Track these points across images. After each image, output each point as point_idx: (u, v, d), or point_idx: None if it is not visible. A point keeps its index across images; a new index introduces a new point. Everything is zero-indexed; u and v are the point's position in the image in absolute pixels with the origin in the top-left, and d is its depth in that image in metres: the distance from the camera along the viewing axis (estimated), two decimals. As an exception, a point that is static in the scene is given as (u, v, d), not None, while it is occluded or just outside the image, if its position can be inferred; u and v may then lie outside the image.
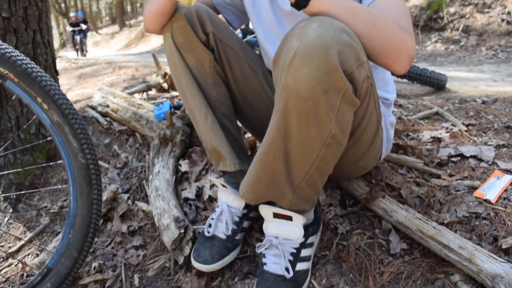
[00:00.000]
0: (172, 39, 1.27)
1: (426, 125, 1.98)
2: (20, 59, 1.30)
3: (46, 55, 2.23)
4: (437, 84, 2.68)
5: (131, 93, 2.95)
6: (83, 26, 16.21)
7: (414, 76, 2.52)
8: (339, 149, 1.04)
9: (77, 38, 16.09)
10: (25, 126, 2.11)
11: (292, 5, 0.98)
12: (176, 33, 1.26)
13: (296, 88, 0.89)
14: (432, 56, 6.40)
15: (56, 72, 2.35)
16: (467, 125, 1.94)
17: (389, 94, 1.43)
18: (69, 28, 16.58)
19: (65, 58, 9.42)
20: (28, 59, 1.34)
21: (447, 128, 1.91)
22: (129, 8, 36.14)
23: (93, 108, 2.49)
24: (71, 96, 4.06)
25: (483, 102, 2.28)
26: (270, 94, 1.46)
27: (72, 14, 17.06)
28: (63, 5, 35.99)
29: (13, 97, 2.05)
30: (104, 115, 2.40)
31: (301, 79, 0.88)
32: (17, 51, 1.32)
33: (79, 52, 16.10)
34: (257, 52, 2.61)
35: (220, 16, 1.50)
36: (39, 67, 1.35)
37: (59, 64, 7.47)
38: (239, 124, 1.61)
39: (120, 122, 2.27)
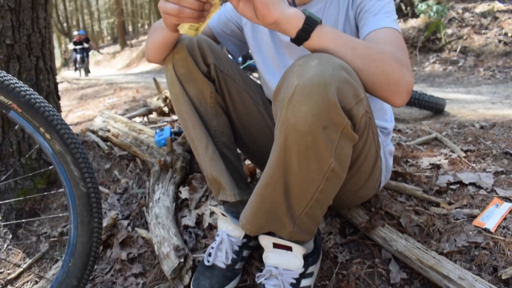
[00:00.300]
0: (173, 70, 1.29)
1: (425, 151, 2.00)
2: (23, 90, 1.32)
3: (49, 81, 2.26)
4: (435, 108, 2.70)
5: (132, 117, 2.97)
6: (86, 45, 16.07)
7: (412, 101, 2.55)
8: (338, 182, 1.05)
9: (78, 56, 15.95)
10: (27, 155, 2.12)
11: (292, 40, 1.00)
12: (177, 64, 1.28)
13: (295, 123, 0.90)
14: (430, 76, 6.46)
15: (58, 97, 2.37)
16: (465, 151, 1.95)
17: (387, 123, 1.45)
18: (71, 46, 16.46)
19: (66, 78, 9.50)
20: (31, 89, 1.36)
21: (446, 154, 1.92)
22: (130, 28, 36.52)
23: (94, 132, 2.50)
24: (72, 117, 4.09)
25: (482, 127, 2.30)
26: (270, 123, 1.47)
27: (75, 33, 16.96)
28: (65, 24, 36.40)
29: (16, 127, 2.07)
30: (105, 139, 2.42)
31: (300, 115, 0.89)
32: (21, 82, 1.34)
33: (81, 71, 15.91)
34: (257, 75, 2.64)
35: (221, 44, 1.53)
36: (41, 97, 1.37)
37: (60, 85, 7.53)
38: (239, 152, 1.61)
39: (121, 147, 2.29)
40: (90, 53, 17.27)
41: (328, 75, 0.88)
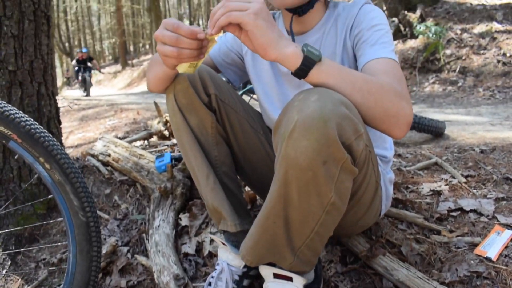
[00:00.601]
0: (175, 100, 1.30)
1: (426, 176, 2.00)
2: (24, 120, 1.33)
3: (50, 106, 2.27)
4: (435, 132, 2.71)
5: (133, 141, 2.98)
6: (90, 64, 15.75)
7: (412, 125, 2.55)
8: (338, 215, 1.05)
9: (84, 76, 15.43)
10: (27, 185, 2.12)
11: (293, 74, 1.01)
12: (179, 95, 1.29)
13: (296, 158, 0.91)
14: (430, 97, 6.48)
15: (59, 122, 2.38)
16: (466, 177, 1.95)
17: (387, 152, 1.45)
18: (74, 63, 16.05)
19: (67, 99, 9.55)
20: (32, 119, 1.37)
21: (446, 180, 1.92)
22: (131, 48, 36.86)
23: (94, 156, 2.51)
24: (73, 139, 4.10)
25: (482, 151, 2.30)
26: (270, 151, 1.48)
27: (78, 50, 16.69)
28: (67, 44, 36.77)
29: (15, 156, 2.07)
30: (106, 164, 2.42)
31: (301, 151, 0.90)
32: (21, 112, 1.35)
33: (84, 91, 15.54)
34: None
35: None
36: (41, 127, 1.38)
37: (62, 105, 7.57)
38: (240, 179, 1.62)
39: (121, 172, 2.29)
40: (92, 73, 17.34)
41: (327, 111, 0.89)
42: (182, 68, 1.08)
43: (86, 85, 15.18)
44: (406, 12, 7.94)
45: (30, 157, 1.35)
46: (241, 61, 1.53)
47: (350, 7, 1.30)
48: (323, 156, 0.90)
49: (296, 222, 1.02)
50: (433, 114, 4.51)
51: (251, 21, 0.92)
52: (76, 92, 19.17)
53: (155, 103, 3.18)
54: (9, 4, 2.05)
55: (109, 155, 2.40)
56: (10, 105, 1.32)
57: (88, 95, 14.94)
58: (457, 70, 6.82)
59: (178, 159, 2.08)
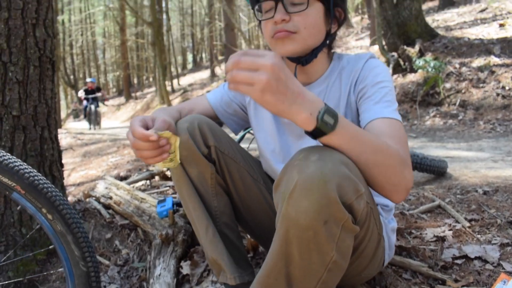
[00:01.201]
0: None
1: (429, 220, 1.98)
2: (27, 172, 1.34)
3: (53, 150, 2.28)
4: (437, 172, 2.70)
5: (134, 182, 2.98)
6: (98, 94, 15.00)
7: (414, 165, 2.55)
8: (340, 272, 1.04)
9: (92, 107, 14.55)
10: (29, 235, 2.11)
11: (306, 133, 0.96)
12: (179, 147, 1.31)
13: (296, 218, 0.91)
14: (431, 130, 6.50)
15: (61, 165, 2.38)
16: (470, 220, 1.94)
17: (389, 200, 1.45)
18: (82, 94, 15.12)
19: (71, 132, 9.59)
20: (35, 170, 1.38)
21: (450, 224, 1.90)
22: (135, 80, 37.33)
23: (96, 199, 2.50)
24: (75, 177, 4.10)
25: (485, 193, 2.29)
26: (270, 200, 1.48)
27: (88, 80, 15.90)
28: (72, 76, 37.26)
29: (18, 207, 2.07)
30: (107, 207, 2.41)
31: (301, 211, 0.90)
32: (25, 164, 1.36)
33: (92, 124, 14.62)
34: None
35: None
36: (44, 178, 1.39)
37: (64, 140, 7.60)
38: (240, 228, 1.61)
39: (123, 215, 2.28)
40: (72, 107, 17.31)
41: (328, 171, 0.89)
42: (159, 165, 1.12)
43: (96, 117, 14.55)
44: (405, 46, 8.04)
45: (32, 208, 1.37)
46: (243, 111, 1.54)
47: (355, 61, 1.32)
48: (323, 216, 0.90)
49: (297, 280, 1.01)
50: (435, 150, 4.51)
51: (258, 99, 0.87)
52: (81, 124, 19.13)
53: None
54: (15, 50, 2.08)
55: (110, 198, 2.40)
56: (14, 157, 1.34)
57: (99, 127, 14.54)
58: (457, 103, 6.87)
59: (179, 204, 2.07)
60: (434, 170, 2.66)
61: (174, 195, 2.52)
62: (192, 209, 1.35)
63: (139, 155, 1.08)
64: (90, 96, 14.86)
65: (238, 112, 1.54)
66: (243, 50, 1.49)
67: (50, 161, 2.26)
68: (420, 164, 2.57)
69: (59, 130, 12.09)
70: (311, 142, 1.32)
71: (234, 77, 0.86)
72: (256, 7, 1.28)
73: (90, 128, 14.61)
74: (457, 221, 1.94)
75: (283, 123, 1.43)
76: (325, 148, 0.96)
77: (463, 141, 5.51)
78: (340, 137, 0.95)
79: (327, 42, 1.28)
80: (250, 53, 0.86)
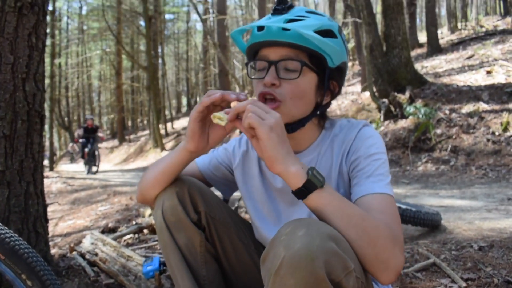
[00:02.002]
0: (163, 217, 1.27)
1: (424, 280, 1.92)
2: (8, 237, 1.30)
3: (38, 205, 2.22)
4: (431, 225, 2.66)
5: (122, 235, 2.90)
6: (100, 134, 13.71)
7: (408, 219, 2.51)
8: None
9: (93, 148, 12.97)
10: None
11: (293, 192, 1.02)
12: (167, 212, 1.27)
13: None
14: (423, 176, 6.50)
15: (46, 220, 2.32)
16: (466, 280, 1.88)
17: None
18: (81, 132, 13.43)
19: (62, 176, 9.48)
20: (16, 235, 1.33)
21: (446, 285, 1.85)
22: (129, 123, 37.46)
23: (81, 254, 2.42)
24: (62, 227, 4.01)
25: (480, 249, 2.24)
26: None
27: (88, 117, 14.31)
28: (66, 118, 37.34)
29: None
30: (92, 264, 2.33)
31: None
32: (6, 228, 1.31)
33: (89, 167, 13.02)
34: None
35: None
36: (25, 243, 1.34)
37: (55, 185, 7.50)
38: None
39: (108, 274, 2.20)
40: (68, 149, 16.64)
41: (315, 247, 0.85)
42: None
43: (95, 160, 12.99)
44: (395, 93, 8.17)
45: (11, 274, 1.31)
46: (232, 175, 1.50)
47: (348, 129, 1.27)
48: None
49: None
50: (428, 199, 4.48)
51: (265, 132, 0.96)
52: (75, 167, 18.75)
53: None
54: (3, 105, 2.06)
55: (96, 254, 2.33)
56: (-7, 223, 1.29)
57: (97, 171, 13.02)
58: (449, 149, 6.91)
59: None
60: (428, 224, 2.62)
61: (161, 253, 2.45)
62: (180, 279, 1.29)
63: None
64: (91, 135, 13.22)
65: (226, 175, 1.50)
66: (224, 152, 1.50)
67: (35, 217, 2.20)
68: (414, 218, 2.53)
69: (50, 174, 11.82)
70: (303, 209, 1.28)
71: (251, 107, 0.99)
72: (251, 63, 1.26)
73: (88, 172, 13.03)
74: (453, 281, 1.88)
75: (273, 190, 1.39)
76: (313, 222, 0.93)
77: (455, 187, 5.50)
78: (330, 195, 1.00)
79: (317, 113, 1.23)
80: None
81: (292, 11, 1.17)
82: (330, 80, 1.22)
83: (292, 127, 1.22)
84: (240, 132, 1.52)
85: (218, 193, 1.49)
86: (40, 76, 2.18)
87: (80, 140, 13.44)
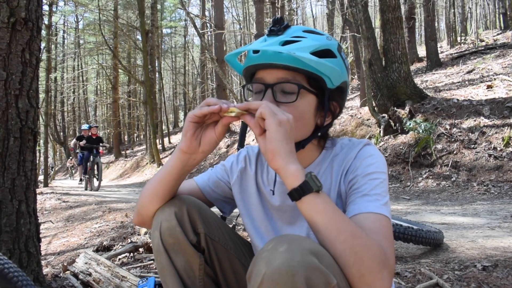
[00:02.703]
0: (160, 239, 1.22)
1: (428, 303, 1.86)
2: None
3: (30, 224, 2.16)
4: (433, 243, 2.60)
5: (117, 255, 2.83)
6: (106, 145, 12.39)
7: (409, 237, 2.45)
8: None
9: (94, 160, 11.23)
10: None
11: (288, 193, 1.00)
12: (165, 233, 1.21)
13: None
14: (424, 192, 6.43)
15: (39, 240, 2.25)
16: (471, 302, 1.82)
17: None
18: (81, 142, 11.77)
19: (56, 192, 9.38)
20: (6, 258, 1.29)
21: (450, 308, 1.78)
22: (126, 138, 37.39)
23: (74, 275, 2.35)
24: (55, 245, 3.93)
25: (484, 269, 2.18)
26: None
27: (92, 125, 12.73)
28: (61, 133, 37.30)
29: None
30: (86, 284, 2.26)
31: None
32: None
33: (92, 182, 11.42)
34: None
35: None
36: (15, 266, 1.29)
37: (49, 202, 7.42)
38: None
39: (101, 295, 2.13)
40: (67, 165, 15.36)
41: (295, 263, 0.83)
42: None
43: (99, 174, 11.14)
44: (395, 108, 8.15)
45: (-2, 299, 1.26)
46: (231, 191, 1.45)
47: (348, 148, 1.23)
48: None
49: None
50: (429, 216, 4.42)
51: (274, 124, 0.97)
52: (72, 183, 18.44)
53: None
54: (-5, 122, 2.02)
55: (90, 275, 2.26)
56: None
57: (99, 186, 11.25)
58: (450, 164, 6.85)
59: (162, 286, 1.94)
60: (430, 242, 2.55)
61: (157, 274, 2.38)
62: None
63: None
64: (94, 146, 11.44)
65: (226, 192, 1.45)
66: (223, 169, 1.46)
67: (26, 237, 2.14)
68: (415, 236, 2.47)
69: (45, 189, 11.67)
70: (301, 228, 1.25)
71: (265, 105, 0.99)
72: (248, 86, 1.22)
73: (87, 188, 11.63)
74: (458, 304, 1.82)
75: (271, 208, 1.34)
76: (296, 238, 0.90)
77: (457, 204, 5.43)
78: (324, 202, 0.98)
79: (318, 134, 1.20)
80: None
81: (288, 32, 1.13)
82: (330, 101, 1.19)
83: None
84: (238, 149, 1.48)
85: (215, 209, 1.44)
86: (33, 92, 2.14)
87: (79, 152, 12.20)
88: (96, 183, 11.25)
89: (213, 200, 1.46)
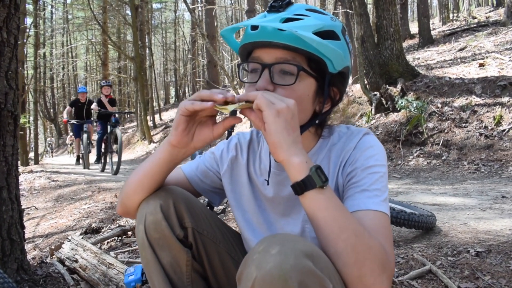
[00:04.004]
0: (145, 233, 1.16)
1: (420, 290, 1.83)
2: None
3: (12, 211, 2.09)
4: (426, 228, 2.57)
5: (105, 239, 2.78)
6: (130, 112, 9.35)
7: (402, 221, 2.42)
8: None
9: (112, 131, 8.40)
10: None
11: (291, 185, 0.95)
12: (150, 227, 1.15)
13: None
14: (415, 171, 6.43)
15: (22, 227, 2.19)
16: (464, 290, 1.80)
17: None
18: (94, 106, 9.26)
19: (46, 171, 9.27)
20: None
21: (444, 296, 1.76)
22: (117, 115, 37.04)
23: (61, 261, 2.30)
24: (44, 227, 3.87)
25: (477, 254, 2.15)
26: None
27: (103, 83, 10.11)
28: (52, 110, 36.87)
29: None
30: (72, 271, 2.21)
31: None
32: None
33: (110, 162, 8.56)
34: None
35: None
36: (2, 272, 1.23)
37: (38, 181, 7.33)
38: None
39: (88, 282, 2.08)
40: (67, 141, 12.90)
41: (288, 267, 0.78)
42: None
43: (120, 149, 8.04)
44: (387, 86, 8.08)
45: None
46: (220, 181, 1.39)
47: (347, 137, 1.17)
48: None
49: None
50: (421, 196, 4.41)
51: (271, 115, 0.91)
52: (68, 159, 17.81)
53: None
54: (-28, 105, 1.93)
55: (76, 261, 2.21)
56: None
57: (118, 169, 8.11)
58: (441, 143, 6.84)
59: (149, 274, 1.88)
60: (423, 226, 2.53)
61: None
62: None
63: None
64: (106, 112, 8.84)
65: (215, 182, 1.39)
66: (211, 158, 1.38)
67: (9, 224, 2.07)
68: (408, 220, 2.43)
69: (34, 167, 11.52)
70: (296, 221, 1.20)
71: (261, 93, 0.94)
72: (244, 65, 1.15)
73: (104, 169, 9.14)
74: (451, 291, 1.79)
75: (264, 199, 1.28)
76: (288, 238, 0.85)
77: (448, 183, 5.43)
78: (328, 198, 0.93)
79: (316, 121, 1.13)
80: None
81: (290, 9, 1.05)
82: (331, 86, 1.11)
83: None
84: (227, 137, 1.41)
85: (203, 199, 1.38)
86: (12, 73, 2.04)
87: (75, 122, 9.69)
88: (114, 163, 8.29)
89: (201, 190, 1.39)
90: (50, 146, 30.56)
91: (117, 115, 8.96)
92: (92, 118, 10.83)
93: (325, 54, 1.03)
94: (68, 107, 10.90)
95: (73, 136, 12.43)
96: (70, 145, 27.41)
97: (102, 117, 9.43)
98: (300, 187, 0.92)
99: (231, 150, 1.37)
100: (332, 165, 1.16)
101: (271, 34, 1.03)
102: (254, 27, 1.05)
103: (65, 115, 10.78)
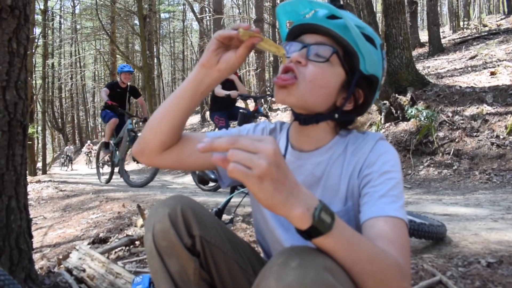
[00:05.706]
0: (153, 241, 1.17)
1: (431, 302, 1.80)
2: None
3: (21, 220, 2.09)
4: (436, 238, 2.53)
5: (112, 249, 2.78)
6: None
7: (412, 232, 2.39)
8: None
9: (128, 128, 7.10)
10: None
11: (299, 232, 0.88)
12: (158, 236, 1.16)
13: None
14: (426, 181, 6.38)
15: (30, 236, 2.19)
16: (476, 302, 1.76)
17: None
18: (103, 94, 7.66)
19: (54, 181, 9.33)
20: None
21: (455, 308, 1.72)
22: (125, 124, 37.26)
23: (68, 270, 2.30)
24: (51, 237, 3.89)
25: (488, 265, 2.12)
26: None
27: (126, 68, 8.01)
28: (60, 120, 37.19)
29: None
30: (80, 280, 2.21)
31: None
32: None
33: (122, 168, 7.38)
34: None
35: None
36: (7, 274, 1.24)
37: (45, 191, 7.37)
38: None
39: (95, 292, 2.08)
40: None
41: (309, 281, 0.78)
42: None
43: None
44: (396, 95, 8.04)
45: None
46: None
47: (363, 139, 1.20)
48: None
49: None
50: (431, 206, 4.36)
51: (255, 185, 0.76)
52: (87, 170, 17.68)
53: (138, 207, 3.01)
54: (-18, 115, 1.94)
55: (84, 271, 2.21)
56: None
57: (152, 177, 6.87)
58: (451, 152, 6.78)
59: (156, 284, 1.87)
60: (433, 237, 2.49)
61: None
62: None
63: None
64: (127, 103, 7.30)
65: None
66: (237, 134, 1.35)
67: (17, 233, 2.07)
68: (418, 230, 2.40)
69: (42, 177, 11.61)
70: None
71: (231, 155, 0.75)
72: (288, 44, 1.21)
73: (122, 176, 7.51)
74: (462, 304, 1.76)
75: None
76: (308, 251, 0.85)
77: (459, 193, 5.37)
78: (336, 240, 0.86)
79: (336, 116, 1.18)
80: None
81: (342, 11, 1.13)
82: (357, 87, 1.17)
83: (305, 118, 1.19)
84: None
85: (209, 199, 1.37)
86: (22, 83, 2.06)
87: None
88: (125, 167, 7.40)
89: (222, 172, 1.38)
90: (68, 156, 26.70)
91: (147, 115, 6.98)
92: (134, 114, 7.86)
93: (361, 50, 1.11)
94: (105, 88, 7.93)
95: (91, 145, 9.56)
96: (87, 154, 26.22)
97: (224, 106, 6.48)
98: (307, 234, 0.87)
99: (258, 132, 1.39)
100: (346, 163, 1.19)
101: (320, 19, 1.13)
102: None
103: (104, 95, 7.67)
